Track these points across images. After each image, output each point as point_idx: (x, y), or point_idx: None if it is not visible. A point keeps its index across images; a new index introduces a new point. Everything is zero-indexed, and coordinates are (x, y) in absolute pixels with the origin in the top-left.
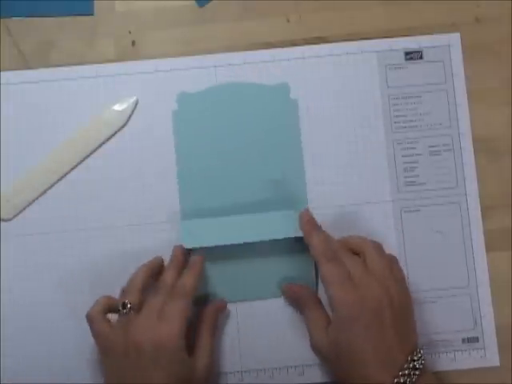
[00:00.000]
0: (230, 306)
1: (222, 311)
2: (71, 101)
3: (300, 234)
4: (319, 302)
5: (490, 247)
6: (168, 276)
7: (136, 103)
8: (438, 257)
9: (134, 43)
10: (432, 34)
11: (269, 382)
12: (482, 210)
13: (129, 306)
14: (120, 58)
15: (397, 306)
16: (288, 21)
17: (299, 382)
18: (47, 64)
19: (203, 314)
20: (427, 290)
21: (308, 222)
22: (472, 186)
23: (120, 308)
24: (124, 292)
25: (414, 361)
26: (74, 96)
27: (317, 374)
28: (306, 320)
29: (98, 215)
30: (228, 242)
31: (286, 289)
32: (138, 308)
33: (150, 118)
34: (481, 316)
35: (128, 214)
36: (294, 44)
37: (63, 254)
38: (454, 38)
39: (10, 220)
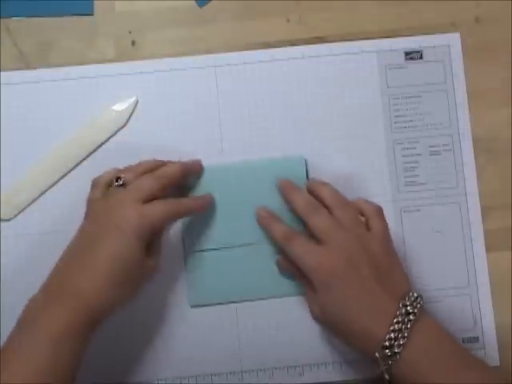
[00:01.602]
0: (231, 306)
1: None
2: (71, 101)
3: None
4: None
5: (490, 247)
6: (171, 168)
7: (136, 103)
8: (438, 257)
9: (133, 43)
10: (432, 34)
11: (269, 382)
12: (481, 210)
13: (121, 181)
14: (120, 57)
15: (374, 256)
16: (288, 21)
17: (299, 382)
18: (47, 64)
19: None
20: (427, 290)
21: (264, 217)
22: (472, 186)
23: (114, 181)
24: (125, 168)
25: (406, 306)
26: (74, 96)
27: (317, 373)
28: (305, 295)
29: None
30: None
31: (285, 264)
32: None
33: (150, 117)
34: (481, 316)
35: None
36: (293, 44)
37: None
38: (454, 38)
39: (9, 220)
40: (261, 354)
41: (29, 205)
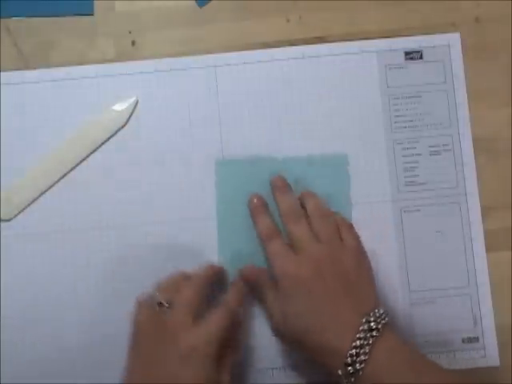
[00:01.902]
0: None
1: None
2: (71, 101)
3: None
4: (275, 283)
5: (490, 247)
6: (204, 274)
7: (136, 103)
8: (438, 257)
9: (133, 43)
10: (432, 34)
11: (269, 382)
12: (481, 210)
13: (166, 305)
14: (120, 57)
15: (344, 269)
16: (288, 21)
17: (299, 382)
18: (47, 64)
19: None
20: (427, 289)
21: (255, 205)
22: (472, 186)
23: (157, 307)
24: (159, 287)
25: (370, 322)
26: (74, 96)
27: (317, 373)
28: (264, 304)
29: (97, 215)
30: None
31: (246, 271)
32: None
33: (150, 117)
34: (481, 316)
35: (129, 213)
36: (293, 44)
37: (63, 253)
38: (454, 38)
39: (9, 220)
40: (261, 352)
41: (29, 205)
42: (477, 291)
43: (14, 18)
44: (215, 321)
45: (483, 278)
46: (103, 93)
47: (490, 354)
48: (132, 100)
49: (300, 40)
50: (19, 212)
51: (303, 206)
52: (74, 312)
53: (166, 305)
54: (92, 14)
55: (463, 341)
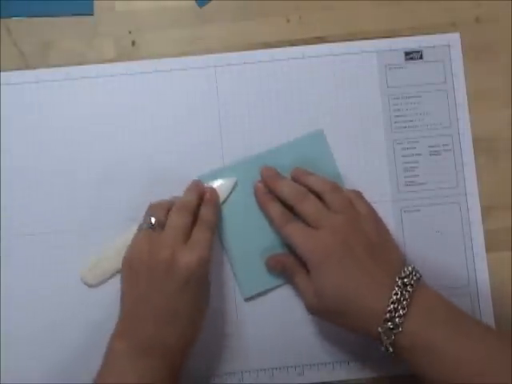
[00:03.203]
0: (231, 306)
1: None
2: (71, 101)
3: None
4: (305, 267)
5: (490, 247)
6: (188, 199)
7: (234, 185)
8: (438, 257)
9: (133, 43)
10: (432, 34)
11: (269, 382)
12: (481, 210)
13: (153, 221)
14: (120, 58)
15: (367, 236)
16: (288, 21)
17: (299, 382)
18: (47, 64)
19: None
20: None
21: (262, 193)
22: (472, 186)
23: (144, 224)
24: (149, 208)
25: (403, 279)
26: (74, 96)
27: (317, 373)
28: (296, 287)
29: (97, 215)
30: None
31: (272, 261)
32: (163, 225)
33: (150, 117)
34: (481, 316)
35: (129, 215)
36: (293, 44)
37: (64, 254)
38: (454, 38)
39: (94, 286)
40: (261, 353)
41: (114, 275)
42: (477, 291)
43: (14, 18)
44: (202, 241)
45: (483, 277)
46: (103, 93)
47: None
48: (231, 181)
49: (300, 40)
50: (104, 280)
51: None
52: (75, 312)
53: (154, 222)
54: (92, 14)
55: None
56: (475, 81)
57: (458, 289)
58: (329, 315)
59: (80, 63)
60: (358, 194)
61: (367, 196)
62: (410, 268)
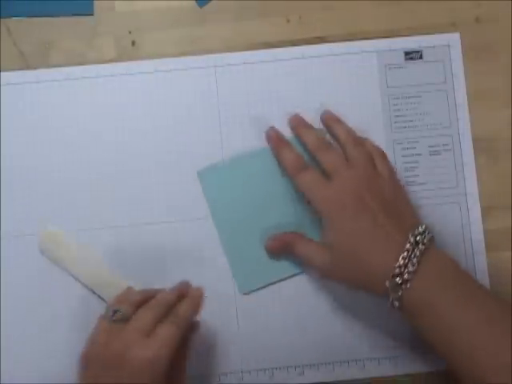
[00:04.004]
0: (231, 305)
1: (195, 331)
2: (71, 101)
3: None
4: (303, 235)
5: (490, 247)
6: (164, 296)
7: None
8: None
9: (133, 43)
10: (432, 33)
11: (269, 382)
12: (481, 210)
13: (119, 314)
14: (120, 58)
15: (382, 192)
16: (288, 21)
17: (299, 382)
18: (47, 64)
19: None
20: None
21: (275, 138)
22: (472, 186)
23: (108, 314)
24: (118, 298)
25: (416, 236)
26: (74, 96)
27: (317, 373)
28: (299, 253)
29: (96, 216)
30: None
31: (272, 241)
32: (128, 319)
33: (150, 118)
34: None
35: (128, 213)
36: (293, 44)
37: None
38: (454, 38)
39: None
40: (261, 353)
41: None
42: None
43: (14, 18)
44: (163, 337)
45: (483, 278)
46: (103, 93)
47: None
48: None
49: (300, 40)
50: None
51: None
52: (75, 312)
53: (119, 316)
54: (92, 14)
55: None
56: (475, 81)
57: None
58: (339, 270)
59: (80, 63)
60: (382, 154)
61: None
62: (423, 226)
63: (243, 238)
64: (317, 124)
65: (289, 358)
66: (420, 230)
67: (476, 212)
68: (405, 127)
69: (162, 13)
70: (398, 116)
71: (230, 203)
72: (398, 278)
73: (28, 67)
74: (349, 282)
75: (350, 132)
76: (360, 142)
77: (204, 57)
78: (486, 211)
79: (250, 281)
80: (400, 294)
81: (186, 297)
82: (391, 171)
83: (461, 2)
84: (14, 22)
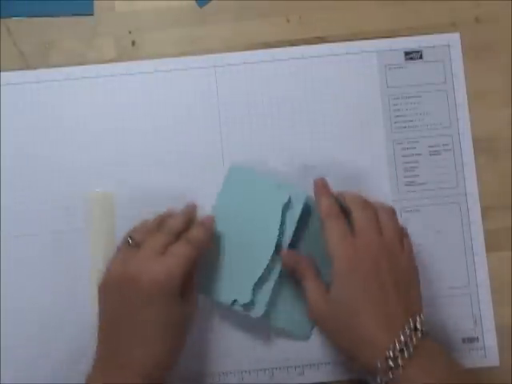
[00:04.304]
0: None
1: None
2: (71, 101)
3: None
4: (318, 272)
5: (490, 247)
6: (175, 220)
7: None
8: (438, 257)
9: (133, 43)
10: (432, 33)
11: (269, 382)
12: (482, 210)
13: (131, 241)
14: (120, 58)
15: (399, 268)
16: (288, 21)
17: (299, 382)
18: (47, 64)
19: None
20: (427, 289)
21: (320, 186)
22: (472, 186)
23: (127, 240)
24: (133, 228)
25: (416, 322)
26: (74, 96)
27: (317, 373)
28: (305, 288)
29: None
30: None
31: (287, 256)
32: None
33: (150, 118)
34: (481, 316)
35: (129, 212)
36: (293, 44)
37: (64, 254)
38: (454, 38)
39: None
40: (261, 353)
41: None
42: (477, 291)
43: (14, 18)
44: (176, 254)
45: (483, 277)
46: (103, 93)
47: (489, 355)
48: None
49: (300, 40)
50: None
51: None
52: (75, 311)
53: (133, 242)
54: (92, 14)
55: (463, 341)
56: (475, 81)
57: (458, 289)
58: (331, 326)
59: (80, 63)
60: (407, 233)
61: (367, 196)
62: (423, 317)
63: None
64: (314, 123)
65: (289, 358)
66: (422, 318)
67: (476, 212)
68: (405, 127)
69: (162, 13)
70: (398, 116)
71: (237, 211)
72: (390, 362)
73: (28, 67)
74: (337, 340)
75: (385, 204)
76: (394, 214)
77: (204, 57)
78: (486, 211)
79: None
80: (391, 377)
81: (192, 219)
82: (412, 250)
83: (461, 1)
84: (13, 22)
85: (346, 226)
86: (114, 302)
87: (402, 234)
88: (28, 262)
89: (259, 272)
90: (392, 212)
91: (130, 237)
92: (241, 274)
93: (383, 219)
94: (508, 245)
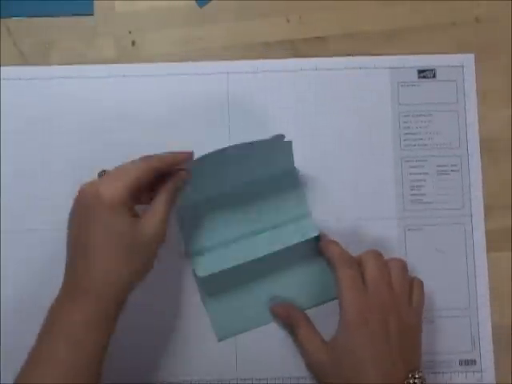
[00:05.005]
0: None
1: (184, 176)
2: (71, 101)
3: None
4: (309, 320)
5: (490, 247)
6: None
7: None
8: (440, 277)
9: (133, 43)
10: (432, 33)
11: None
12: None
13: (103, 172)
14: (120, 58)
15: (405, 324)
16: (288, 21)
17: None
18: (47, 64)
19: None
20: (427, 309)
21: (326, 240)
22: (478, 208)
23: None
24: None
25: (415, 378)
26: (74, 96)
27: None
28: (300, 338)
29: None
30: (242, 261)
31: (276, 309)
32: None
33: (151, 118)
34: (479, 338)
35: None
36: (293, 44)
37: (63, 251)
38: (468, 59)
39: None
40: (257, 363)
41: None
42: (477, 313)
43: (14, 18)
44: (125, 168)
45: (484, 300)
46: (103, 93)
47: (486, 378)
48: None
49: (300, 40)
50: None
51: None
52: None
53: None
54: (92, 14)
55: (460, 363)
56: (475, 81)
57: (458, 310)
58: (333, 377)
59: (80, 63)
60: (420, 283)
61: (373, 213)
62: (421, 373)
63: (222, 285)
64: (324, 135)
65: (286, 369)
66: (420, 374)
67: (480, 234)
68: (414, 145)
69: (161, 13)
70: (407, 134)
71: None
72: None
73: None
74: None
75: (397, 258)
76: (405, 267)
77: (216, 63)
78: (486, 211)
79: (227, 329)
80: None
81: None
82: (422, 302)
83: (461, 1)
84: (13, 22)
85: (359, 275)
86: (75, 225)
87: (411, 289)
88: (28, 257)
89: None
90: (403, 265)
91: (104, 170)
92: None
93: (394, 272)
94: (508, 245)
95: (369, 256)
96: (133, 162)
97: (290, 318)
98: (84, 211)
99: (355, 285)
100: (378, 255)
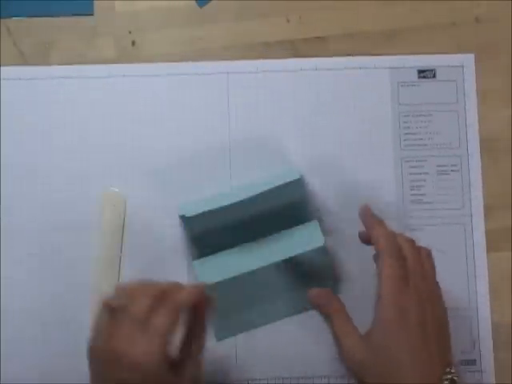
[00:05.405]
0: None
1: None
2: (71, 100)
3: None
4: (346, 311)
5: (490, 247)
6: (161, 283)
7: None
8: (440, 277)
9: (133, 43)
10: (432, 33)
11: None
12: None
13: (114, 304)
14: (120, 58)
15: (439, 318)
16: (288, 21)
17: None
18: (47, 64)
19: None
20: None
21: (370, 216)
22: (478, 208)
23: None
24: (117, 287)
25: (452, 373)
26: (74, 96)
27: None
28: (335, 330)
29: (97, 214)
30: (245, 270)
31: (313, 294)
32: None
33: (151, 117)
34: (479, 339)
35: (132, 212)
36: (293, 44)
37: (63, 252)
38: (468, 59)
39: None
40: (259, 366)
41: None
42: (477, 314)
43: (14, 18)
44: (158, 328)
45: (484, 300)
46: (103, 93)
47: (486, 378)
48: None
49: (300, 40)
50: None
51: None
52: (75, 311)
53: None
54: (92, 14)
55: (461, 363)
56: (475, 81)
57: (459, 310)
58: (363, 371)
59: (80, 63)
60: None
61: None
62: (456, 369)
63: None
64: (324, 135)
65: (288, 370)
66: (454, 369)
67: (480, 234)
68: (414, 145)
69: (161, 13)
70: (407, 134)
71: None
72: None
73: None
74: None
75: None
76: (430, 254)
77: (216, 63)
78: (486, 211)
79: (225, 330)
80: None
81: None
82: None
83: (461, 1)
84: (14, 22)
85: (402, 268)
86: (100, 372)
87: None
88: (28, 259)
89: None
90: (430, 254)
91: (114, 300)
92: None
93: (425, 262)
94: (508, 245)
95: (409, 245)
96: (163, 306)
97: (325, 307)
98: (120, 375)
99: (398, 281)
100: (413, 243)
